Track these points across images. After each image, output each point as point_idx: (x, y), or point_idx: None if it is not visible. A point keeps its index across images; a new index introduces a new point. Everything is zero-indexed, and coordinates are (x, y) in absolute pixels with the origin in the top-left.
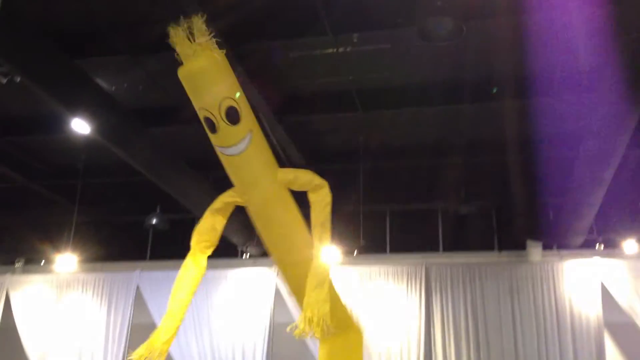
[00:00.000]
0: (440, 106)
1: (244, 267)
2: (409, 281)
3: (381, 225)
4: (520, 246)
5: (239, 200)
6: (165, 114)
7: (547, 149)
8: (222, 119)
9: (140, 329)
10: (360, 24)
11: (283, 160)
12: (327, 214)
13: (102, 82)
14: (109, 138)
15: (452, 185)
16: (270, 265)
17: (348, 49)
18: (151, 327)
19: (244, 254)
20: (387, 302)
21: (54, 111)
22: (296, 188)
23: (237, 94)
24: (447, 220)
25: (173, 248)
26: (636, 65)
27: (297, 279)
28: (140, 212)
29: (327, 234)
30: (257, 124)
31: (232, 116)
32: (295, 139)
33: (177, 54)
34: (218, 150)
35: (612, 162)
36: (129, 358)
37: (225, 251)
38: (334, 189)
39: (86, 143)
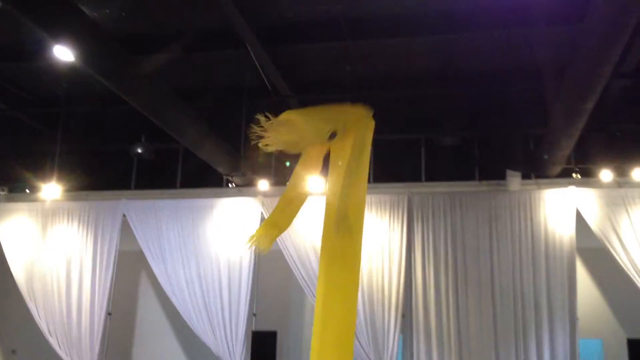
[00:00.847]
0: (429, 37)
1: (229, 196)
2: (392, 210)
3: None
4: (500, 176)
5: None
6: (151, 42)
7: (529, 80)
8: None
9: (127, 257)
10: None
11: (269, 90)
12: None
13: (84, 9)
14: (93, 66)
15: (436, 117)
16: (255, 195)
17: None
18: (138, 254)
19: (230, 184)
20: (370, 230)
21: (37, 38)
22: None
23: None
24: (430, 151)
25: (158, 177)
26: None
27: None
28: (125, 141)
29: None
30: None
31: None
32: (282, 68)
33: None
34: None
35: (593, 94)
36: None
37: (211, 181)
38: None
39: (69, 71)
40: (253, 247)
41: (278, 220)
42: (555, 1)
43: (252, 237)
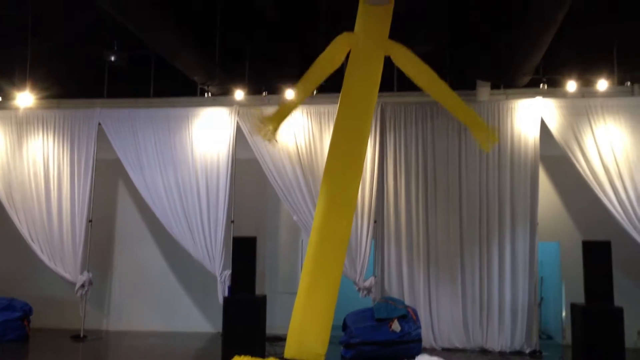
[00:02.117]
0: None
1: (204, 105)
2: None
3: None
4: (471, 86)
5: (350, 43)
6: None
7: None
8: None
9: (104, 165)
10: None
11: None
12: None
13: None
14: None
15: (407, 24)
16: (230, 104)
17: None
18: (115, 162)
19: (205, 93)
20: None
21: None
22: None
23: None
24: None
25: (132, 85)
26: None
27: (349, 124)
28: (97, 47)
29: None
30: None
31: None
32: None
33: None
34: (365, 0)
35: (566, 3)
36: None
37: (185, 90)
38: (298, 27)
39: None
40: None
41: (282, 113)
42: None
43: (261, 129)
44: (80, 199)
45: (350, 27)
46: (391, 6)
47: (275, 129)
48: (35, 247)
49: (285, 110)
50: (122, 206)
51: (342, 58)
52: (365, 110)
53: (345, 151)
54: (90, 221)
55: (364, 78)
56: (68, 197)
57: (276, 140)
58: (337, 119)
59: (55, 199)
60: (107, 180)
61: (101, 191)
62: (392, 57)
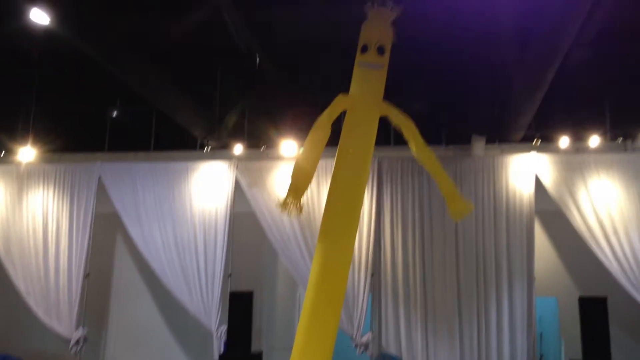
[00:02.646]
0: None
1: (204, 159)
2: None
3: (338, 119)
4: (466, 141)
5: (347, 104)
6: (127, 6)
7: (494, 50)
8: (375, 49)
9: (102, 219)
10: None
11: (243, 53)
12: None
13: None
14: (70, 29)
15: (404, 83)
16: (229, 158)
17: None
18: (116, 216)
19: (205, 147)
20: None
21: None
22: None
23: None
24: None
25: (132, 139)
26: None
27: (345, 181)
28: (98, 103)
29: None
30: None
31: (380, 51)
32: (259, 33)
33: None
34: (358, 65)
35: (554, 65)
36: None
37: (185, 143)
38: (295, 85)
39: (44, 32)
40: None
41: (297, 185)
42: None
43: (282, 204)
44: (78, 253)
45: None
46: (385, 70)
47: (297, 204)
48: (31, 302)
49: (299, 181)
50: (119, 260)
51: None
52: (361, 169)
53: (341, 207)
54: (87, 275)
55: (360, 138)
56: (66, 251)
57: (301, 212)
58: (332, 178)
59: (53, 253)
60: (104, 234)
61: (98, 245)
62: (388, 118)
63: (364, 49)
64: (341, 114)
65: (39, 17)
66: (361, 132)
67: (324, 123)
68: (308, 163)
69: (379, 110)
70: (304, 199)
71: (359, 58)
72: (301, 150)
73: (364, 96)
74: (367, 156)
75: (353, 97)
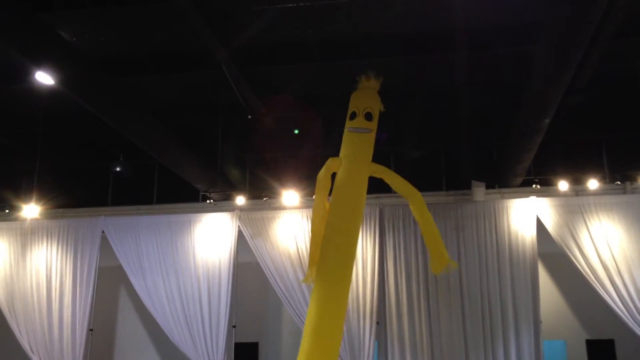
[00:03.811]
0: (391, 57)
1: (207, 211)
2: (365, 221)
3: None
4: (466, 186)
5: (336, 167)
6: (129, 64)
7: (492, 97)
8: (362, 115)
9: (107, 272)
10: None
11: (243, 108)
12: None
13: (63, 34)
14: (73, 89)
15: (403, 131)
16: (232, 209)
17: (308, 4)
18: (118, 269)
19: (208, 199)
20: None
21: (15, 62)
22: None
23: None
24: (399, 163)
25: (135, 193)
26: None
27: (338, 245)
28: (100, 159)
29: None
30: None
31: (368, 117)
32: (256, 87)
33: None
34: (347, 130)
35: (549, 112)
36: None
37: (187, 196)
38: (295, 138)
39: (47, 91)
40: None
41: (316, 258)
42: (514, 24)
43: (307, 278)
44: (82, 308)
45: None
46: (373, 134)
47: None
48: (35, 359)
49: (315, 253)
50: (122, 314)
51: (329, 182)
52: (351, 226)
53: (335, 260)
54: (91, 330)
55: (349, 198)
56: (69, 306)
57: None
58: (324, 236)
59: (57, 308)
60: (108, 288)
61: (102, 299)
62: (383, 180)
63: (353, 116)
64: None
65: (44, 78)
66: (349, 193)
67: (318, 188)
68: (319, 234)
69: (367, 169)
70: (307, 247)
71: (347, 124)
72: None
73: (353, 157)
74: (358, 213)
75: (342, 159)
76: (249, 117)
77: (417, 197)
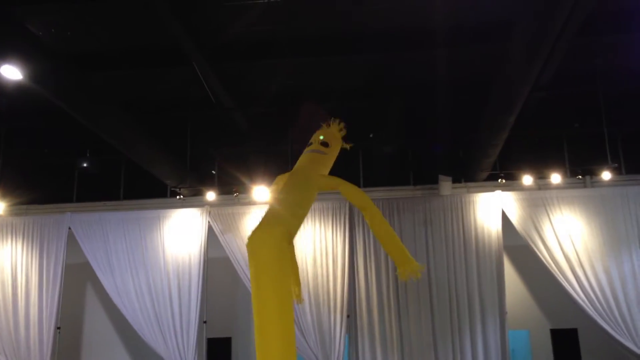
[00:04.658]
0: (367, 54)
1: (176, 207)
2: (334, 217)
3: None
4: (433, 181)
5: (284, 178)
6: (98, 60)
7: (459, 94)
8: (317, 143)
9: (73, 269)
10: None
11: (213, 104)
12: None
13: (31, 28)
14: (42, 84)
15: (373, 126)
16: (201, 205)
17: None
18: (85, 266)
19: (177, 195)
20: (314, 236)
21: None
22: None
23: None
24: (367, 158)
25: (101, 189)
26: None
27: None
28: (67, 154)
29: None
30: (335, 154)
31: (324, 144)
32: (226, 82)
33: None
34: (308, 150)
35: (516, 109)
36: None
37: (155, 192)
38: (266, 133)
39: (9, 86)
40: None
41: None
42: (481, 23)
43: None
44: (49, 306)
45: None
46: (329, 157)
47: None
48: (1, 358)
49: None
50: (90, 311)
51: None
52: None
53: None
54: (59, 328)
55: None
56: (36, 304)
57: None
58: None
59: (23, 306)
60: (74, 285)
61: (69, 296)
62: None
63: (309, 145)
64: None
65: (11, 72)
66: (293, 186)
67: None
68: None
69: (319, 177)
70: None
71: (305, 150)
72: None
73: (303, 166)
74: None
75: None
76: (224, 110)
77: (374, 210)
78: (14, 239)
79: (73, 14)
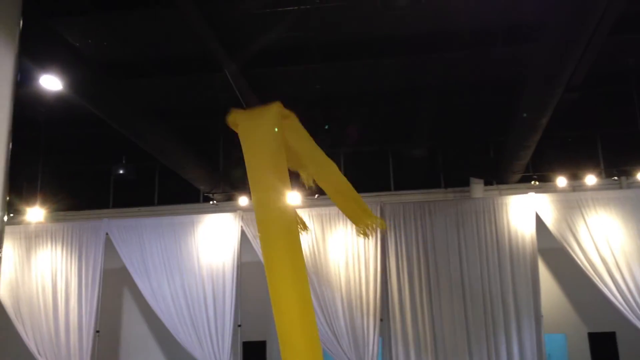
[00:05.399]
0: (394, 58)
1: (209, 212)
2: None
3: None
4: (464, 183)
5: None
6: (132, 68)
7: (491, 95)
8: None
9: (111, 274)
10: None
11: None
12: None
13: (69, 39)
14: (80, 93)
15: (403, 129)
16: (234, 210)
17: (308, 7)
18: (122, 271)
19: (210, 200)
20: (346, 239)
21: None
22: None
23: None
24: (398, 161)
25: (136, 195)
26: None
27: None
28: (102, 162)
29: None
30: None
31: None
32: (257, 88)
33: None
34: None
35: (548, 110)
36: None
37: (188, 197)
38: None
39: (48, 95)
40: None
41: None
42: (512, 23)
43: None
44: (88, 310)
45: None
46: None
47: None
48: None
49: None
50: (127, 315)
51: None
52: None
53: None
54: (98, 332)
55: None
56: (75, 309)
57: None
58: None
59: (63, 311)
60: (112, 289)
61: (107, 301)
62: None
63: None
64: None
65: (51, 82)
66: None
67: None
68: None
69: (275, 113)
70: (309, 245)
71: None
72: None
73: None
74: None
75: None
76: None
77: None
78: (53, 245)
79: (109, 25)
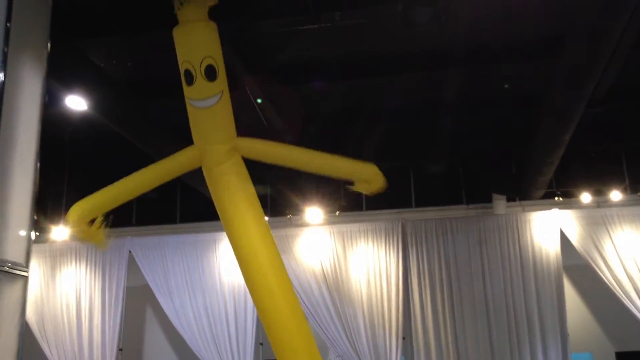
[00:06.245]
0: (413, 74)
1: None
2: (387, 237)
3: None
4: (486, 199)
5: (196, 159)
6: (155, 88)
7: (512, 110)
8: (201, 74)
9: (134, 292)
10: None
11: (267, 130)
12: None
13: (93, 59)
14: (105, 113)
15: (424, 144)
16: None
17: (328, 24)
18: (145, 289)
19: None
20: (367, 256)
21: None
22: (253, 157)
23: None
24: (419, 177)
25: (160, 213)
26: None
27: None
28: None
29: None
30: (227, 87)
31: (210, 73)
32: (280, 107)
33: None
34: (189, 103)
35: (571, 126)
36: None
37: (209, 214)
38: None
39: (73, 115)
40: None
41: None
42: (532, 38)
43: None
44: (111, 328)
45: (367, 153)
46: (224, 100)
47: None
48: None
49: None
50: (150, 333)
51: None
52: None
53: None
54: (121, 350)
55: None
56: (99, 327)
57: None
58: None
59: (87, 329)
60: (135, 307)
61: (130, 318)
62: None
63: (189, 77)
64: None
65: (76, 103)
66: (224, 196)
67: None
68: None
69: (233, 152)
70: (330, 262)
71: (186, 92)
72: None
73: (210, 144)
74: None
75: (198, 147)
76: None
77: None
78: (78, 263)
79: (134, 46)
